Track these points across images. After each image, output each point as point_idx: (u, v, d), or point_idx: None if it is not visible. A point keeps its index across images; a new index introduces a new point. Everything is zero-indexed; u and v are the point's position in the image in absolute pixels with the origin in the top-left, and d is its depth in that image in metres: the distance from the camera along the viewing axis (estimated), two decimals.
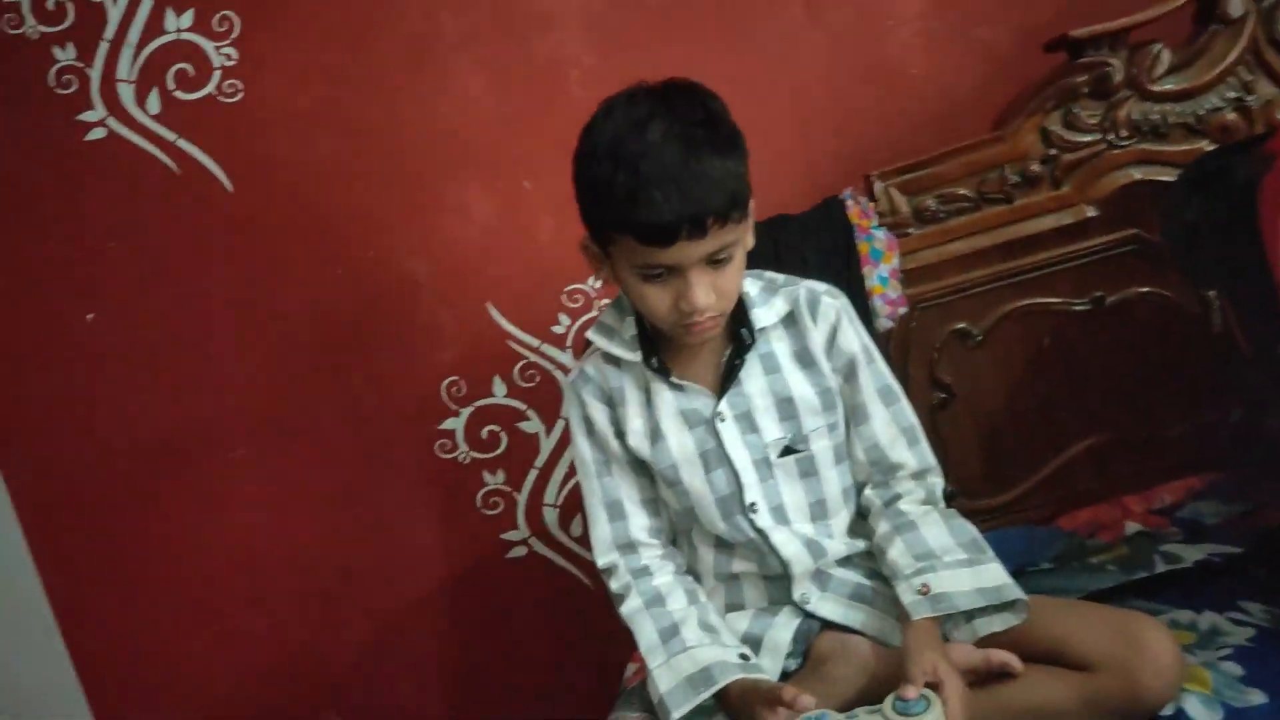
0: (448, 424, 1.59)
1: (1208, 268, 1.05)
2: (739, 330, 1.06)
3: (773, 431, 1.07)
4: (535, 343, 1.56)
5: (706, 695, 0.97)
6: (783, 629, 1.07)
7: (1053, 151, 1.25)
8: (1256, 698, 0.92)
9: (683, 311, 0.98)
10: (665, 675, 1.00)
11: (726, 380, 1.07)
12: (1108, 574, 1.15)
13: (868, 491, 1.10)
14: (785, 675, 1.05)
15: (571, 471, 1.59)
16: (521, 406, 1.59)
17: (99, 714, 1.68)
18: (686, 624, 1.03)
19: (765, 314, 1.07)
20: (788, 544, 1.07)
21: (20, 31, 1.51)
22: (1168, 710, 0.92)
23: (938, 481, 1.09)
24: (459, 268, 1.55)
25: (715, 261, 0.97)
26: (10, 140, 1.54)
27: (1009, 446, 1.31)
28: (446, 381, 1.58)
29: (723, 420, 1.07)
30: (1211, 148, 1.20)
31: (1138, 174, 1.26)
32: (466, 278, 1.56)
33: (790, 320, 1.08)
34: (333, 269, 1.55)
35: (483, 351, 1.58)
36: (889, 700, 0.91)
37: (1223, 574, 1.11)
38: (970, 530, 1.03)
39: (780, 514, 1.08)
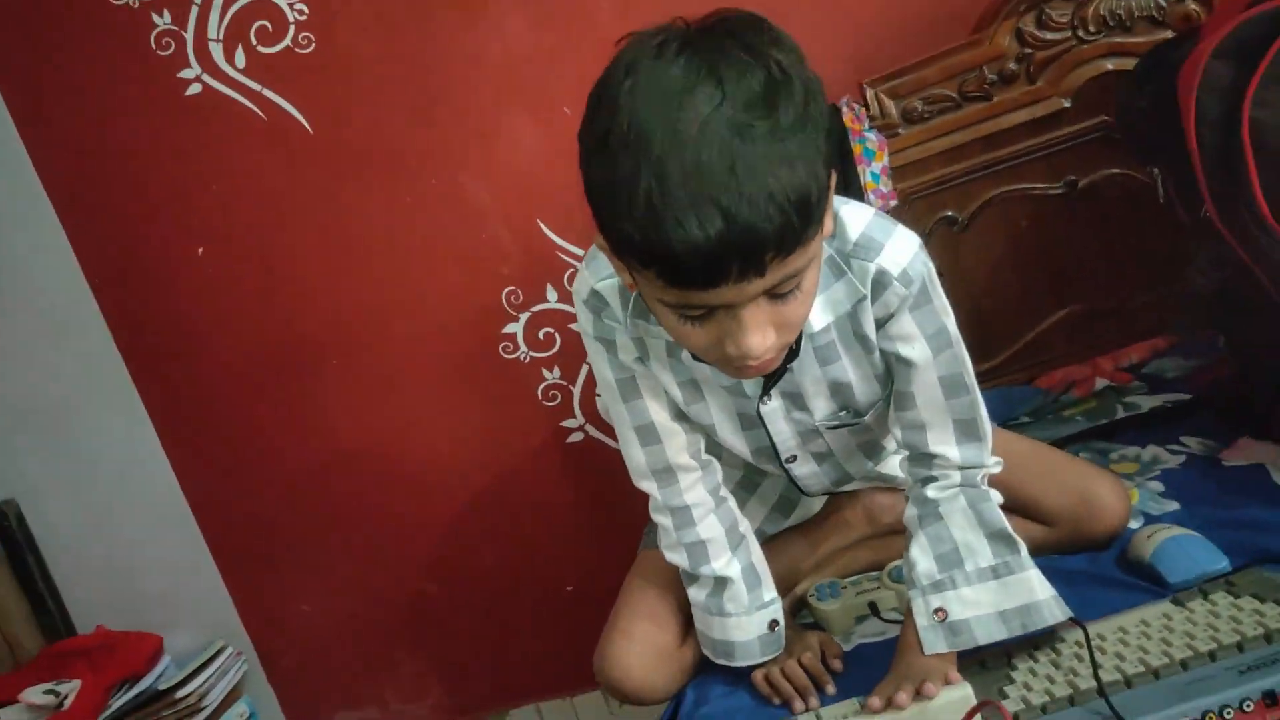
0: (509, 328, 1.74)
1: (1151, 147, 1.18)
2: None
3: (824, 409, 0.98)
4: (580, 253, 1.69)
5: (724, 663, 1.03)
6: (814, 504, 1.19)
7: (1027, 50, 1.37)
8: (1171, 506, 1.10)
9: (730, 355, 0.76)
10: (699, 623, 1.05)
11: (771, 378, 0.94)
12: (1075, 423, 1.32)
13: (905, 464, 0.99)
14: None
15: None
16: (571, 310, 1.71)
17: (231, 585, 1.90)
18: (728, 585, 1.00)
19: (821, 312, 0.88)
20: (815, 487, 1.11)
21: (124, 2, 1.67)
22: None
23: (988, 468, 0.94)
24: (512, 189, 1.67)
25: (777, 296, 0.74)
26: (123, 101, 1.69)
27: (992, 318, 1.44)
28: (506, 290, 1.72)
29: (766, 404, 0.96)
30: (1170, 37, 1.31)
31: (1110, 65, 1.37)
32: (519, 198, 1.67)
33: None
34: (404, 197, 1.70)
35: (536, 263, 1.71)
36: (888, 569, 1.08)
37: (1173, 417, 1.27)
38: (999, 519, 0.92)
39: (822, 456, 1.06)
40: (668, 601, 1.11)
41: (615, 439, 1.72)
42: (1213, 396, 1.26)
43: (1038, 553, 1.00)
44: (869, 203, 1.39)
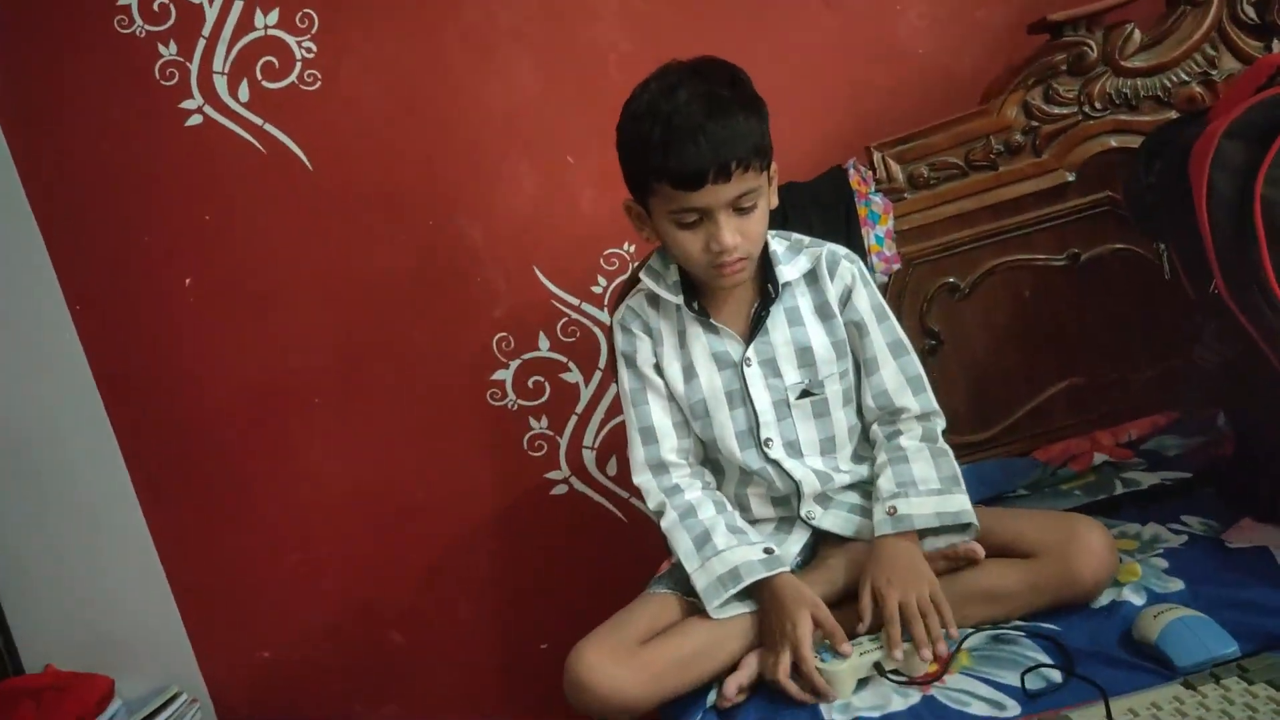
0: (498, 375, 1.73)
1: (1158, 223, 1.18)
2: (766, 285, 1.20)
3: (792, 376, 1.20)
4: (576, 302, 1.71)
5: (735, 591, 1.12)
6: (794, 543, 1.22)
7: (1034, 123, 1.39)
8: (1175, 585, 1.07)
9: (713, 252, 1.10)
10: (701, 576, 1.15)
11: (754, 328, 1.20)
12: (1074, 497, 1.30)
13: (875, 427, 1.23)
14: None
15: (607, 417, 1.74)
16: (563, 359, 1.73)
17: (191, 629, 1.84)
18: (716, 530, 1.17)
19: (789, 270, 1.20)
20: (799, 469, 1.21)
21: (130, 31, 1.66)
22: (1104, 600, 1.08)
23: (939, 422, 1.21)
24: (510, 235, 1.69)
25: (740, 209, 1.10)
26: (121, 127, 1.69)
27: (991, 388, 1.44)
28: (497, 337, 1.72)
29: (749, 365, 1.21)
30: (1177, 117, 1.33)
31: (1114, 141, 1.39)
32: (516, 243, 1.69)
33: (812, 277, 1.22)
34: (399, 237, 1.70)
35: (529, 310, 1.71)
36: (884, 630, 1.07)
37: (1173, 495, 1.26)
38: (953, 467, 1.17)
39: (794, 448, 1.22)
40: (635, 616, 1.18)
41: (600, 494, 1.80)
42: (1213, 475, 1.24)
43: (1026, 604, 1.09)
44: (872, 265, 1.39)
